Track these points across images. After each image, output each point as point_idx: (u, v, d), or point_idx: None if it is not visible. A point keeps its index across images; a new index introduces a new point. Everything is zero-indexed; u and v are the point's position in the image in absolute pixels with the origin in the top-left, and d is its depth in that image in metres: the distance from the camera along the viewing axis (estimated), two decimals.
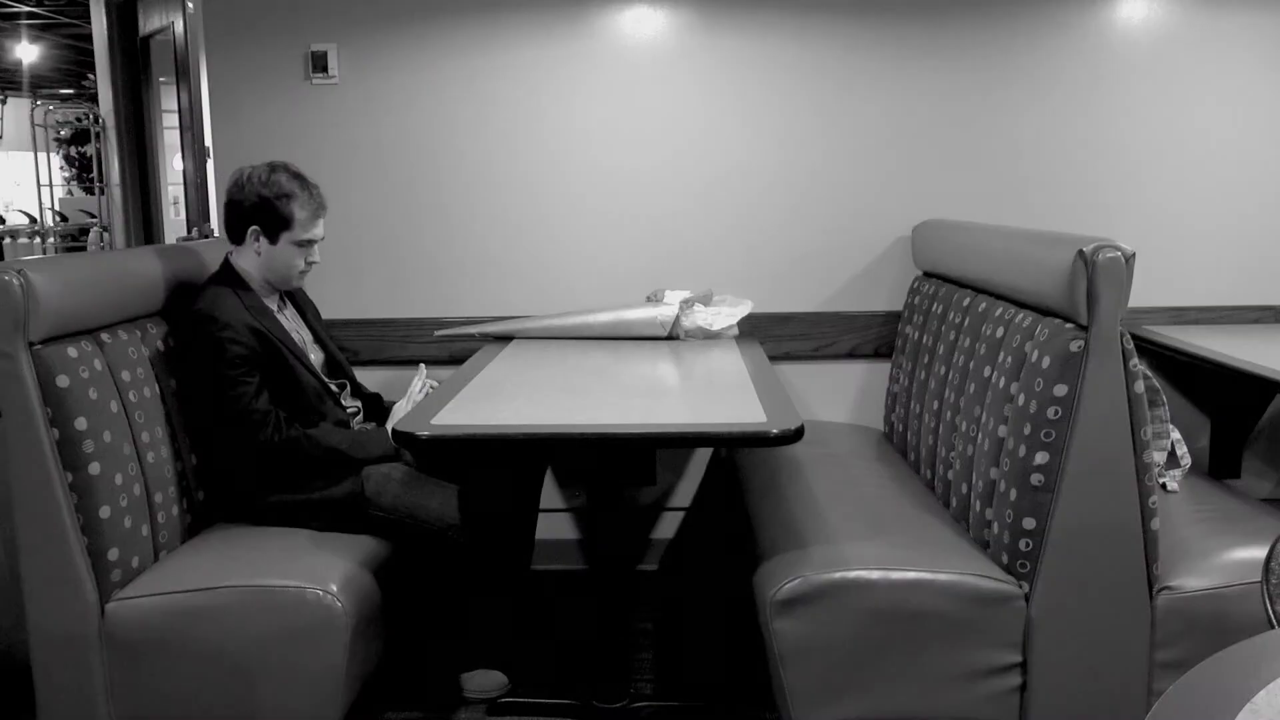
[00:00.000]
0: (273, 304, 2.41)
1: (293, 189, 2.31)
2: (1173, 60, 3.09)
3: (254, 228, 2.31)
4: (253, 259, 2.34)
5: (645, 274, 3.10)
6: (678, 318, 2.88)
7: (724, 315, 2.91)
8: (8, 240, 9.34)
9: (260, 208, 2.29)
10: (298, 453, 2.24)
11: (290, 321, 2.45)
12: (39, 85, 13.15)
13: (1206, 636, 1.95)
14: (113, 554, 1.98)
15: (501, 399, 2.18)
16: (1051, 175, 3.13)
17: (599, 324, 2.92)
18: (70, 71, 12.50)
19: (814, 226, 3.09)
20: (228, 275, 2.34)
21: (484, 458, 2.39)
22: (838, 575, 1.98)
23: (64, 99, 13.61)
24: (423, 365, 2.66)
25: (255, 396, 2.22)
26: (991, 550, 2.08)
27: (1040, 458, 1.95)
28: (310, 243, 2.35)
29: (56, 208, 9.94)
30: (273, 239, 2.31)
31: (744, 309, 2.93)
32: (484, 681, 2.43)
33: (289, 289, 2.44)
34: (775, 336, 3.09)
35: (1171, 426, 2.42)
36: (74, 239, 9.49)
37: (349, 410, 2.46)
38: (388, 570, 2.21)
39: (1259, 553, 1.73)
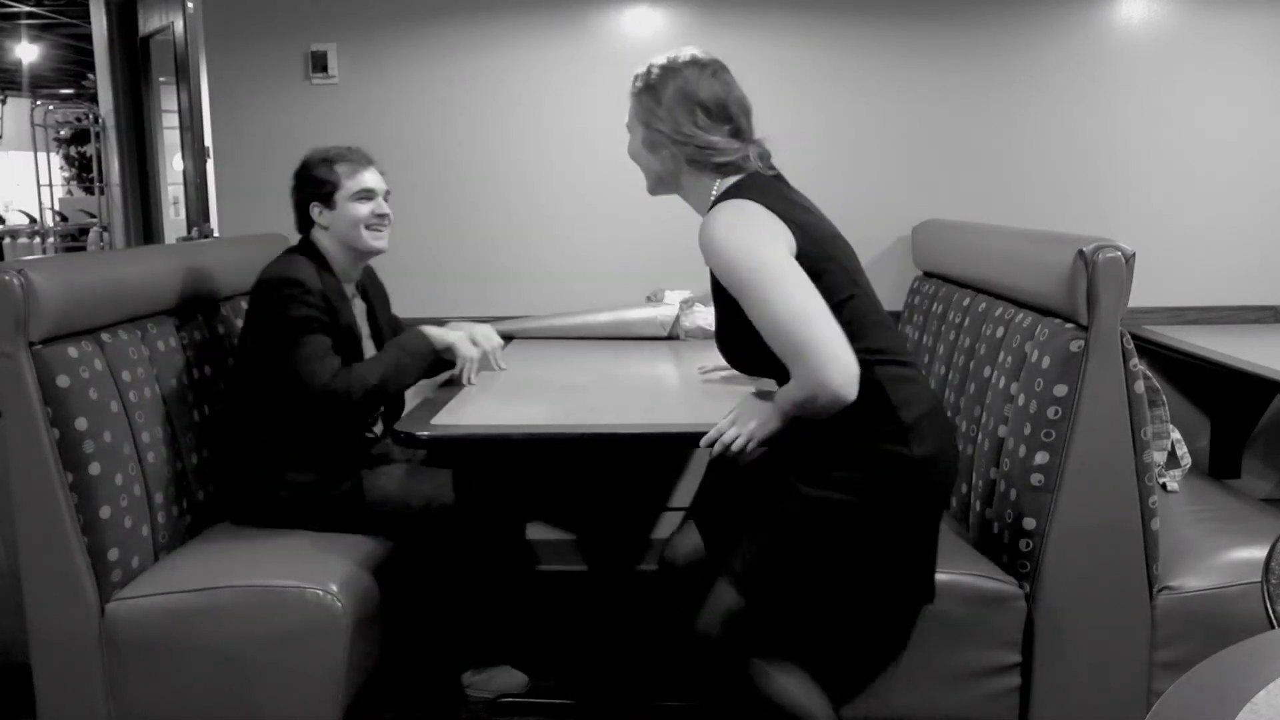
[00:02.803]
0: (349, 290, 2.39)
1: (327, 155, 2.36)
2: (1172, 60, 3.09)
3: (314, 204, 2.33)
4: (325, 238, 2.35)
5: (645, 273, 3.10)
6: (678, 317, 2.88)
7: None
8: (8, 240, 9.34)
9: (307, 182, 2.34)
10: (348, 396, 2.19)
11: (357, 313, 2.42)
12: (39, 85, 13.15)
13: (1206, 636, 1.95)
14: (113, 554, 1.98)
15: (502, 399, 2.18)
16: (1051, 175, 3.13)
17: (599, 324, 2.92)
18: (70, 71, 12.51)
19: None
20: (310, 250, 2.34)
21: (484, 458, 2.39)
22: None
23: (64, 99, 13.60)
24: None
25: (326, 353, 2.19)
26: (991, 550, 2.08)
27: (1040, 458, 1.95)
28: (368, 193, 2.34)
29: (56, 208, 9.94)
30: (329, 203, 2.33)
31: None
32: (503, 681, 2.42)
33: (371, 249, 2.37)
34: None
35: (1171, 426, 2.42)
36: (74, 239, 9.49)
37: (375, 412, 2.46)
38: (388, 570, 2.21)
39: (1259, 553, 1.73)
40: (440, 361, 2.35)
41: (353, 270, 2.40)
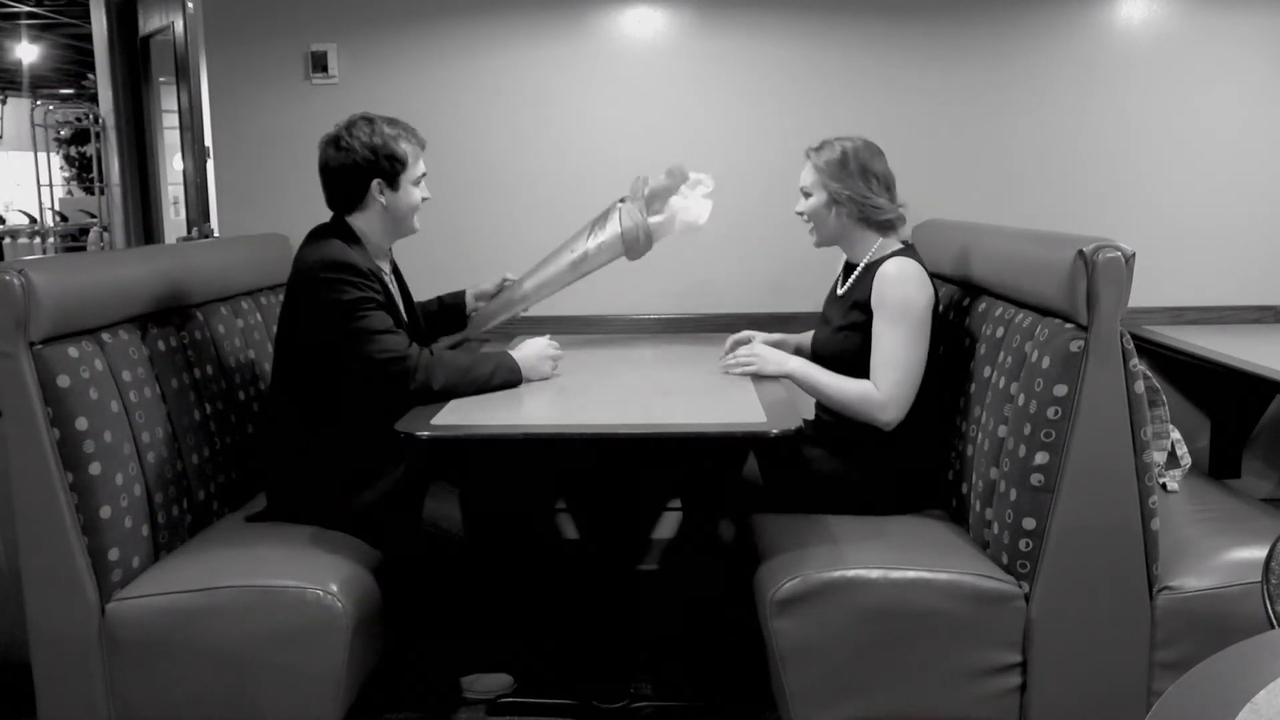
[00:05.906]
0: (385, 266, 2.35)
1: (395, 130, 2.25)
2: (1173, 61, 3.09)
3: (377, 181, 2.24)
4: (374, 218, 2.27)
5: (645, 272, 3.10)
6: (620, 227, 2.63)
7: (695, 203, 2.66)
8: (8, 240, 9.34)
9: (377, 159, 2.23)
10: (412, 375, 2.12)
11: (395, 291, 2.37)
12: (39, 85, 13.16)
13: (1206, 636, 1.95)
14: (113, 554, 1.98)
15: (502, 399, 2.18)
16: (1052, 175, 3.13)
17: (561, 274, 2.72)
18: (70, 71, 12.51)
19: None
20: (348, 234, 2.25)
21: (484, 458, 2.39)
22: (837, 574, 1.98)
23: (64, 99, 13.61)
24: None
25: (390, 328, 2.15)
26: (991, 550, 2.08)
27: (1040, 458, 1.95)
28: (422, 177, 2.30)
29: (56, 208, 9.94)
30: (394, 185, 2.25)
31: (705, 187, 2.69)
32: (490, 683, 2.43)
33: (413, 232, 2.34)
34: None
35: (1171, 426, 2.42)
36: (74, 239, 9.49)
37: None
38: (388, 570, 2.21)
39: (1259, 553, 1.73)
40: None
41: (386, 250, 2.36)
